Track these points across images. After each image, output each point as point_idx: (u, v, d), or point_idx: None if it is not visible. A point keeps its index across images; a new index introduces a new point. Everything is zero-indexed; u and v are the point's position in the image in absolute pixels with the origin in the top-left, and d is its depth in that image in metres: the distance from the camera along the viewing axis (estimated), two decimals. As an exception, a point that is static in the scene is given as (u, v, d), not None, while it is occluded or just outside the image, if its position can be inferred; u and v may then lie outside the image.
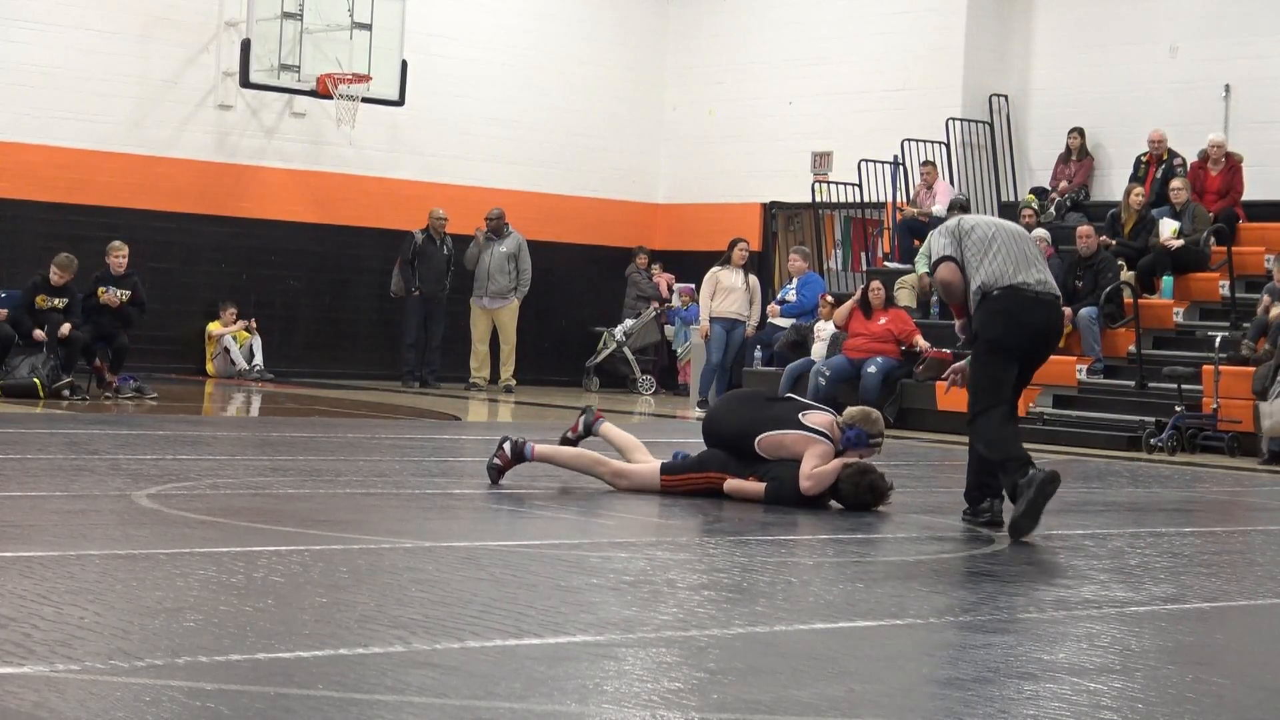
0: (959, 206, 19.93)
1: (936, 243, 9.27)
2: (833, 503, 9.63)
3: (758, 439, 9.58)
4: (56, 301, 16.43)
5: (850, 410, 9.81)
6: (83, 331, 16.46)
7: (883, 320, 18.40)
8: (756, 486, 9.57)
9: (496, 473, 9.81)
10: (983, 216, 9.53)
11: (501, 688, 4.61)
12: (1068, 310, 17.99)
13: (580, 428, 10.21)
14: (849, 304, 18.69)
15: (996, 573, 7.67)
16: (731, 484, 9.66)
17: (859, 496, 9.52)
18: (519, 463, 9.81)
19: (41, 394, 15.77)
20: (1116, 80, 21.14)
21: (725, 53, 24.24)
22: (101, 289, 16.79)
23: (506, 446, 9.79)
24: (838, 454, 9.53)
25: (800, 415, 9.66)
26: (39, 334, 16.18)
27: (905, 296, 19.78)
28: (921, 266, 19.97)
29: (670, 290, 23.65)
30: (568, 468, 10.08)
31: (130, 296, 16.87)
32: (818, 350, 18.86)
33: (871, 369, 18.07)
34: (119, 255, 16.96)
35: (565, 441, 10.20)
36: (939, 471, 13.43)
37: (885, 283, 20.03)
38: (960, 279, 9.09)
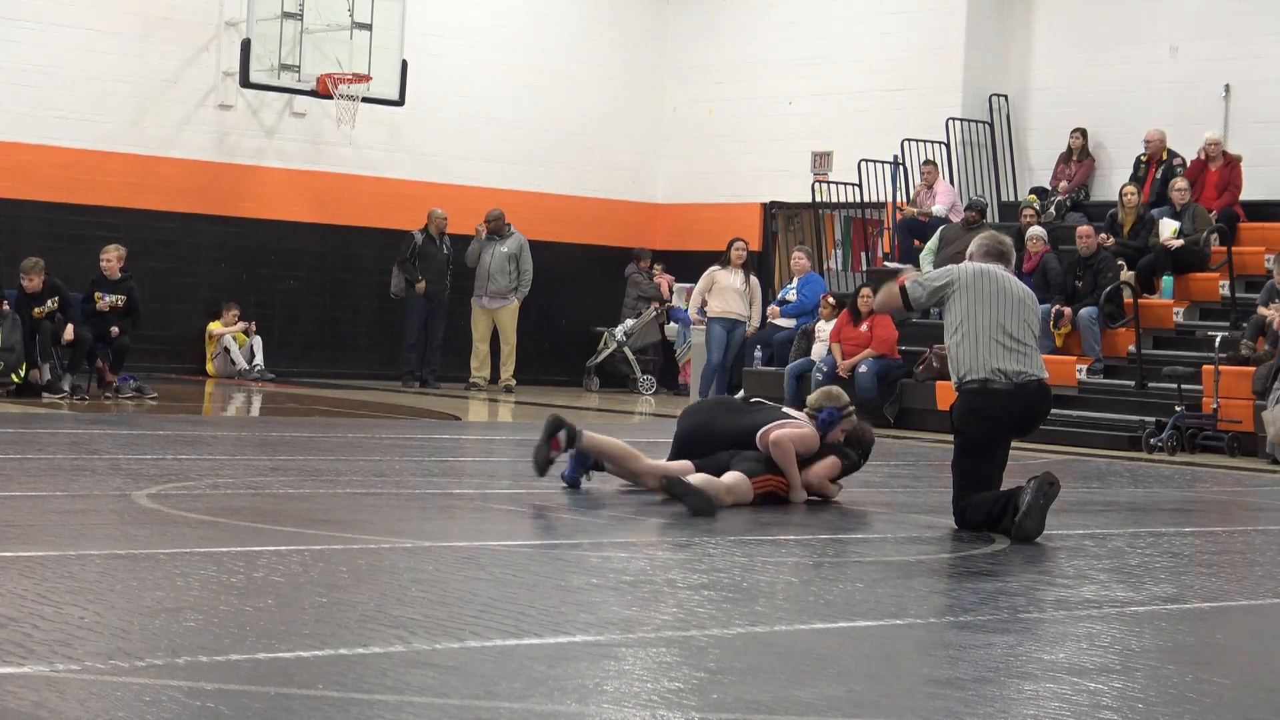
0: (977, 209, 19.72)
1: (933, 274, 9.21)
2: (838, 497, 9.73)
3: (761, 432, 9.61)
4: (51, 304, 16.38)
5: (810, 400, 10.15)
6: (86, 331, 16.45)
7: (864, 327, 18.44)
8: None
9: (545, 464, 9.61)
10: (983, 282, 8.91)
11: (501, 688, 4.61)
12: (1067, 310, 18.02)
13: (562, 444, 9.74)
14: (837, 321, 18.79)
15: (996, 573, 7.67)
16: (805, 480, 9.73)
17: (864, 445, 10.11)
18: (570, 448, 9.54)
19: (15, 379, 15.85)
20: (1116, 80, 21.14)
21: (725, 53, 24.23)
22: (97, 294, 16.76)
23: (562, 435, 9.50)
24: (821, 440, 9.81)
25: (783, 411, 10.06)
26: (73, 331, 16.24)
27: (905, 296, 19.75)
28: (926, 265, 19.97)
29: (671, 291, 23.66)
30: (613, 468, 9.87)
31: (124, 302, 16.81)
32: (818, 350, 18.87)
33: (863, 369, 18.11)
34: (111, 259, 16.89)
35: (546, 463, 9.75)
36: (939, 471, 13.41)
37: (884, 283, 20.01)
38: (896, 306, 9.12)
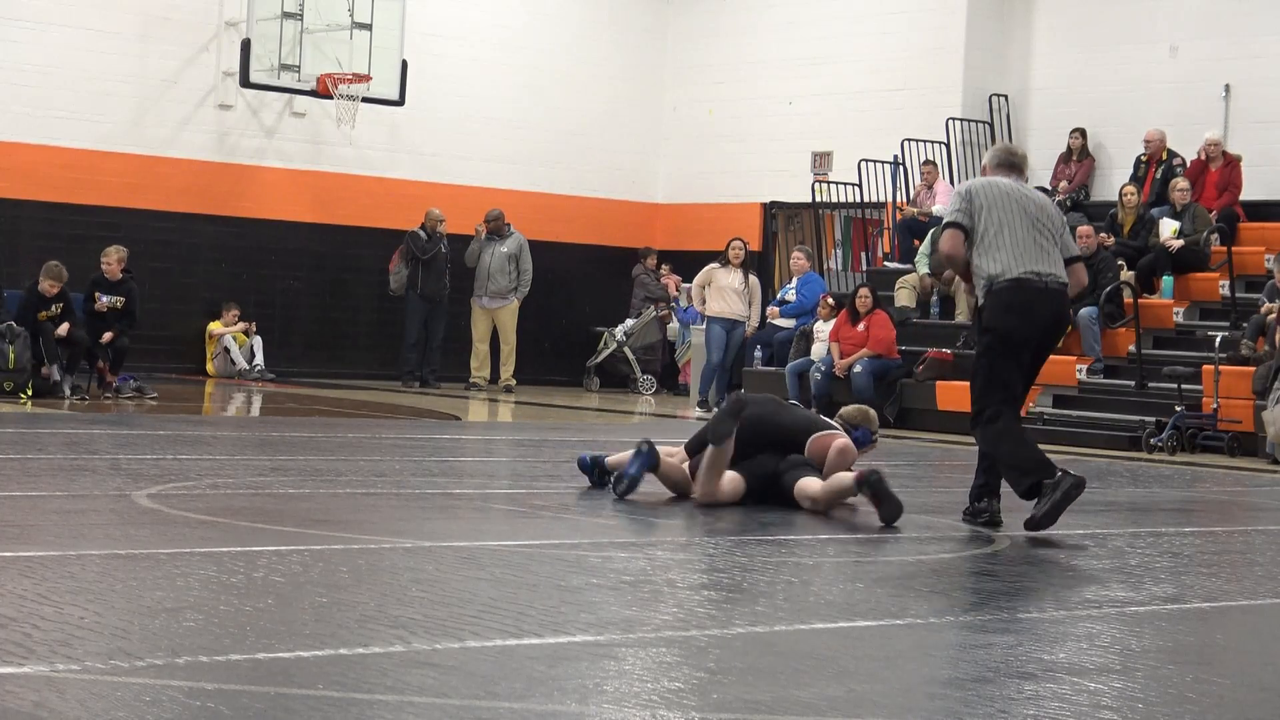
0: None
1: (950, 204, 9.24)
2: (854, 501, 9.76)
3: (823, 436, 9.58)
4: (55, 308, 16.38)
5: (847, 412, 10.15)
6: (85, 332, 16.42)
7: (862, 327, 18.44)
8: (844, 479, 9.62)
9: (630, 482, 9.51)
10: (997, 191, 9.00)
11: (501, 688, 4.61)
12: (1068, 310, 18.03)
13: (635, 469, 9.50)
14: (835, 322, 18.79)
15: (996, 573, 7.67)
16: (820, 488, 9.65)
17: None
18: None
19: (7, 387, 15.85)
20: (1116, 80, 21.14)
21: (725, 53, 24.23)
22: (96, 294, 16.75)
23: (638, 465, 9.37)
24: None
25: (824, 419, 10.02)
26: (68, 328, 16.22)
27: (905, 296, 19.78)
28: (923, 266, 19.98)
29: (677, 290, 23.64)
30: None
31: (123, 304, 16.78)
32: (817, 350, 18.88)
33: (858, 369, 18.11)
34: (111, 261, 16.87)
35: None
36: (939, 471, 13.43)
37: (885, 282, 20.04)
38: (963, 250, 9.02)
